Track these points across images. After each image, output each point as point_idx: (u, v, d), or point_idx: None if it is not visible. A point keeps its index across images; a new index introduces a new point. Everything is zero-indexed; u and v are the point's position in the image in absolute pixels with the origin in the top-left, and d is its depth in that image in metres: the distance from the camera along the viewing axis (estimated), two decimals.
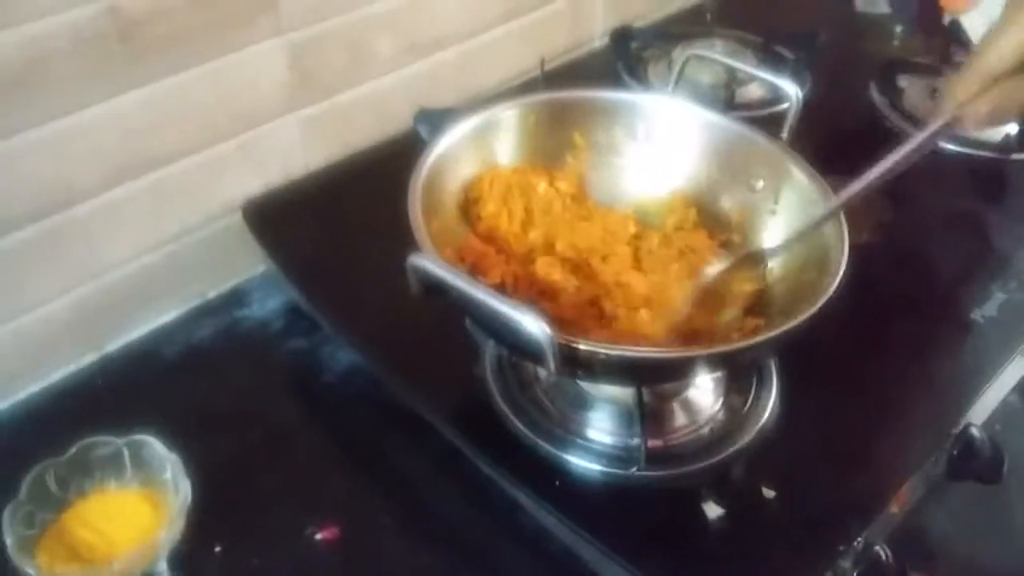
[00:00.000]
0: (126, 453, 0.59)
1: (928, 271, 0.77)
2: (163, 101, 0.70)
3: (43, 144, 0.64)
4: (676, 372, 0.56)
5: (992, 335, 0.70)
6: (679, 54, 1.02)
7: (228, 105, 0.75)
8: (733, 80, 0.94)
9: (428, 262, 0.48)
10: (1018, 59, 0.50)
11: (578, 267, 0.62)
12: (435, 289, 0.48)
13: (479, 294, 0.45)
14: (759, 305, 0.61)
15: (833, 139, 0.93)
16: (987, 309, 0.72)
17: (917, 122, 0.93)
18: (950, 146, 0.89)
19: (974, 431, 0.64)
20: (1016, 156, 0.89)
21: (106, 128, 0.67)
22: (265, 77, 0.77)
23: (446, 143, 0.61)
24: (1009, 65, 0.51)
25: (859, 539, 0.57)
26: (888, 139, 0.92)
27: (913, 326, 0.71)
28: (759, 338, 0.50)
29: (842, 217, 0.56)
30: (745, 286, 0.61)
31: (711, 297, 0.59)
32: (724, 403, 0.64)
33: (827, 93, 0.97)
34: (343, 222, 0.79)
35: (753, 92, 0.96)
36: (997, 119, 0.54)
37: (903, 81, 1.00)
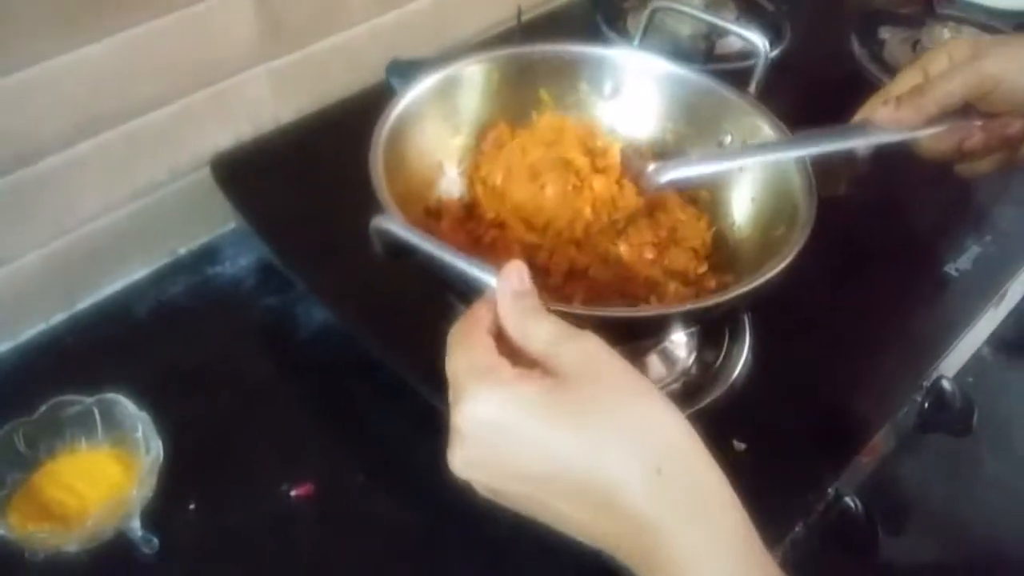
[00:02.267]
0: (96, 412, 0.59)
1: (904, 224, 0.77)
2: (128, 52, 0.68)
3: (5, 97, 0.62)
4: (644, 330, 0.56)
5: (966, 288, 0.71)
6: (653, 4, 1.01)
7: (196, 56, 0.73)
8: (713, 31, 0.93)
9: (392, 224, 0.47)
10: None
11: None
12: (399, 251, 0.47)
13: (445, 255, 0.45)
14: (728, 261, 0.61)
15: (811, 91, 0.93)
16: (961, 262, 0.72)
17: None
18: None
19: (945, 383, 0.64)
20: None
21: (70, 80, 0.66)
22: (233, 26, 0.75)
23: (407, 101, 0.60)
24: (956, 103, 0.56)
25: (829, 490, 0.57)
26: (867, 91, 0.93)
27: (887, 279, 0.71)
28: (727, 295, 0.50)
29: (810, 171, 0.56)
30: (697, 232, 0.61)
31: (661, 238, 0.60)
32: (697, 357, 0.64)
33: (807, 44, 0.96)
34: (314, 176, 0.78)
35: (733, 43, 0.94)
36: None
37: (884, 32, 0.99)
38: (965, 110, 0.57)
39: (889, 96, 0.58)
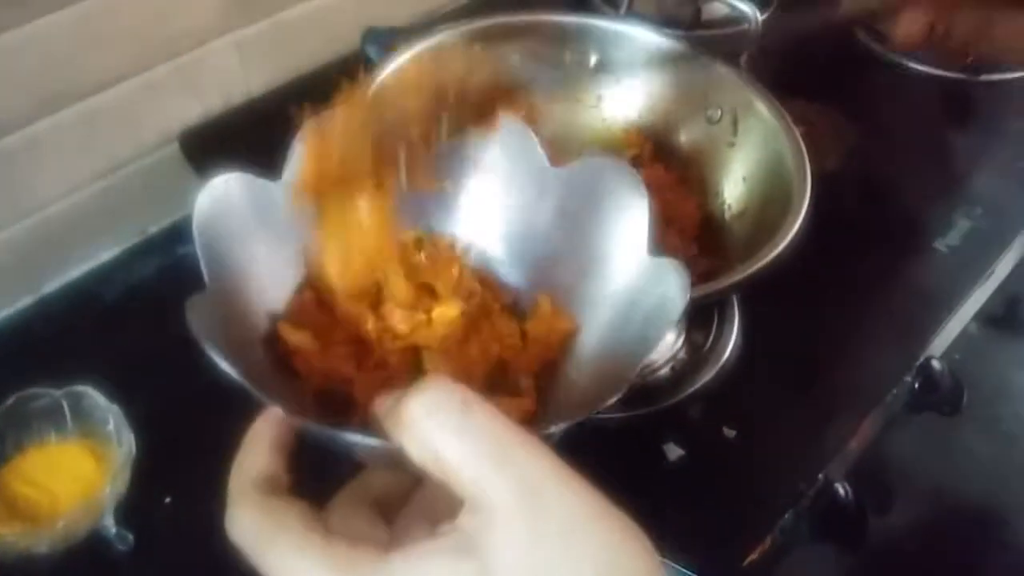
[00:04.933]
0: (65, 405, 0.56)
1: (893, 200, 0.76)
2: (86, 24, 0.64)
3: None
4: None
5: (955, 265, 0.70)
6: None
7: (159, 26, 0.70)
8: None
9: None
10: None
11: None
12: None
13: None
14: (718, 243, 0.59)
15: (801, 57, 0.90)
16: (950, 238, 0.71)
17: (887, 40, 0.90)
18: (918, 66, 0.86)
19: (935, 364, 0.63)
20: (985, 77, 0.87)
21: (25, 55, 0.62)
22: None
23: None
24: None
25: (819, 476, 0.57)
26: (857, 57, 0.91)
27: (877, 258, 0.70)
28: (715, 287, 0.48)
29: (805, 154, 0.54)
30: (686, 213, 0.60)
31: None
32: (686, 340, 0.63)
33: (797, 6, 0.93)
34: (287, 151, 0.75)
35: (719, 9, 0.92)
36: None
37: None
38: None
39: None
